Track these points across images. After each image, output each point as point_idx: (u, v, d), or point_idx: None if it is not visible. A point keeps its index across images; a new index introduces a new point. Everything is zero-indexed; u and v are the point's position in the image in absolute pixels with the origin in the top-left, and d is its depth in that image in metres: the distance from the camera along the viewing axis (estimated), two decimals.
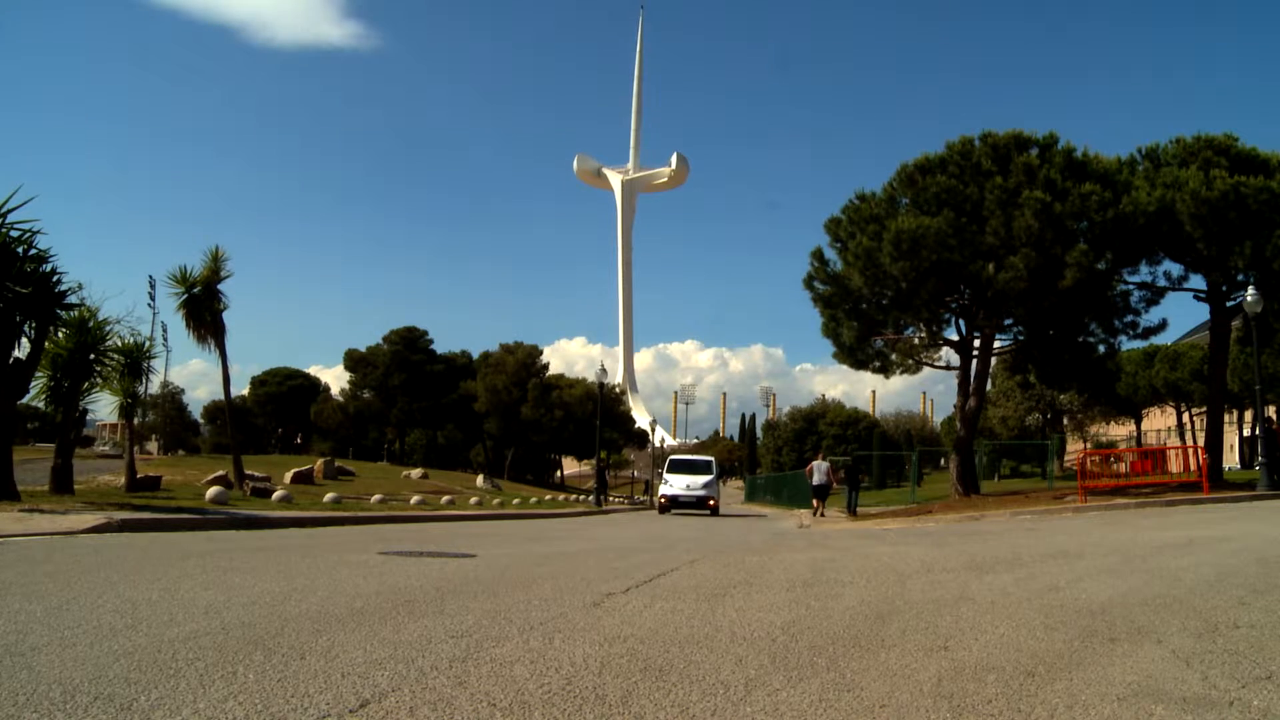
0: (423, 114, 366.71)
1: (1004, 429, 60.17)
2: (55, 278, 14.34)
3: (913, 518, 21.23)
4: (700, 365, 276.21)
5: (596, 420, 46.88)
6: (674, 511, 32.44)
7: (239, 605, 5.05)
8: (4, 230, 13.41)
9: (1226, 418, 36.62)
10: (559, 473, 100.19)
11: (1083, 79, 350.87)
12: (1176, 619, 4.79)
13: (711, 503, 32.58)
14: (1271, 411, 42.17)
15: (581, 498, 46.19)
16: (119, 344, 18.11)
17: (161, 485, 21.02)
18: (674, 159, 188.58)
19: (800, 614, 5.22)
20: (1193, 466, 22.82)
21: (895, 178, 26.55)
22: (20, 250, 13.70)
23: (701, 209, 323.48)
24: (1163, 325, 27.76)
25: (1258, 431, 24.01)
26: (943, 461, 66.83)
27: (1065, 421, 62.55)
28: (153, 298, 32.95)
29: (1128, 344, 30.99)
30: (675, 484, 33.16)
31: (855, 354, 28.90)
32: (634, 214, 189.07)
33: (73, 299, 15.00)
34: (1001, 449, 52.77)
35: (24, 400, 15.87)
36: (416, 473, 43.95)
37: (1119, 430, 66.16)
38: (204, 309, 22.68)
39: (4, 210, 13.35)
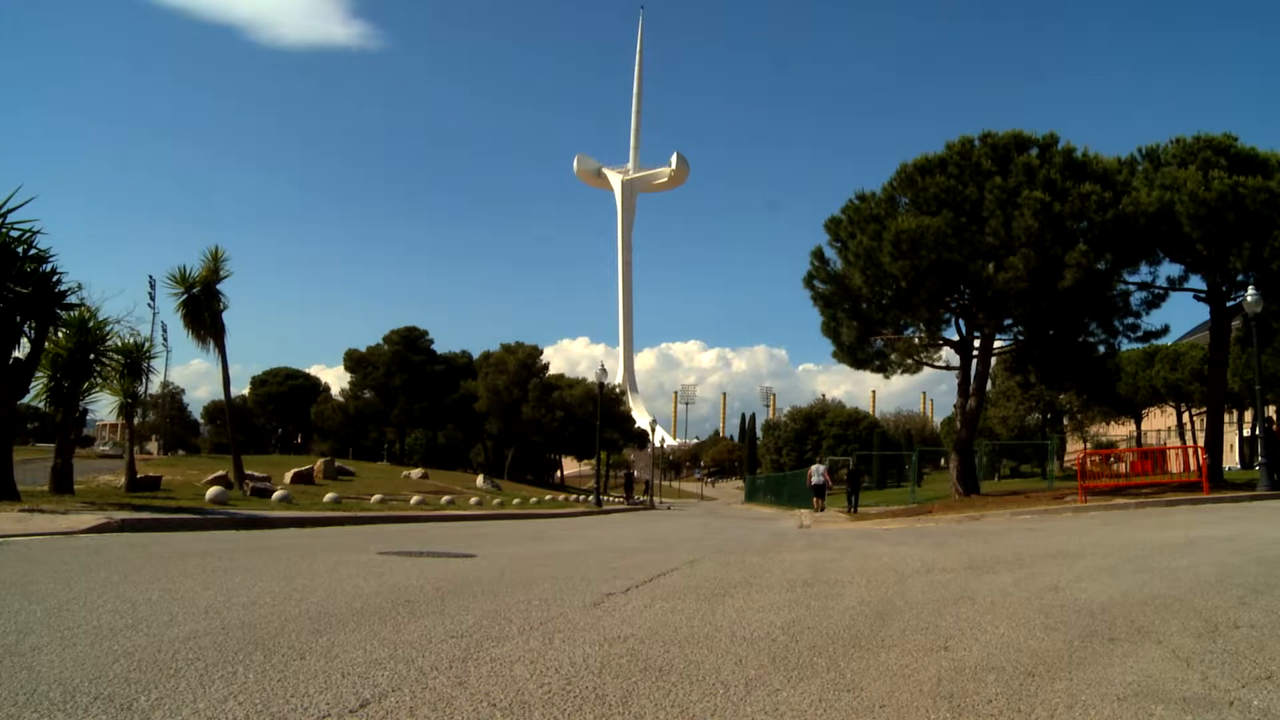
0: (425, 114, 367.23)
1: (1004, 429, 60.18)
2: (55, 278, 14.35)
3: (913, 518, 21.23)
4: (703, 365, 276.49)
5: (596, 420, 46.90)
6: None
7: (239, 605, 5.06)
8: (4, 230, 13.42)
9: (1226, 418, 36.58)
10: (559, 473, 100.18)
11: (1082, 79, 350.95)
12: (1176, 619, 4.79)
13: None
14: (1271, 411, 42.13)
15: (581, 498, 46.18)
16: (119, 344, 18.11)
17: (162, 485, 21.01)
18: (674, 159, 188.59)
19: (800, 614, 5.22)
20: (1193, 466, 22.81)
21: (895, 178, 26.52)
22: (20, 250, 13.71)
23: (703, 209, 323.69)
24: (1164, 330, 27.82)
25: (1258, 431, 23.99)
26: (943, 461, 66.82)
27: (1065, 421, 62.53)
28: (152, 298, 32.96)
29: (1128, 345, 31.01)
30: None
31: (855, 353, 28.89)
32: (634, 214, 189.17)
33: (72, 299, 15.03)
34: (1001, 449, 52.76)
35: (24, 400, 15.88)
36: (416, 473, 43.90)
37: (1119, 430, 66.11)
38: (203, 309, 22.67)
39: (4, 210, 13.36)
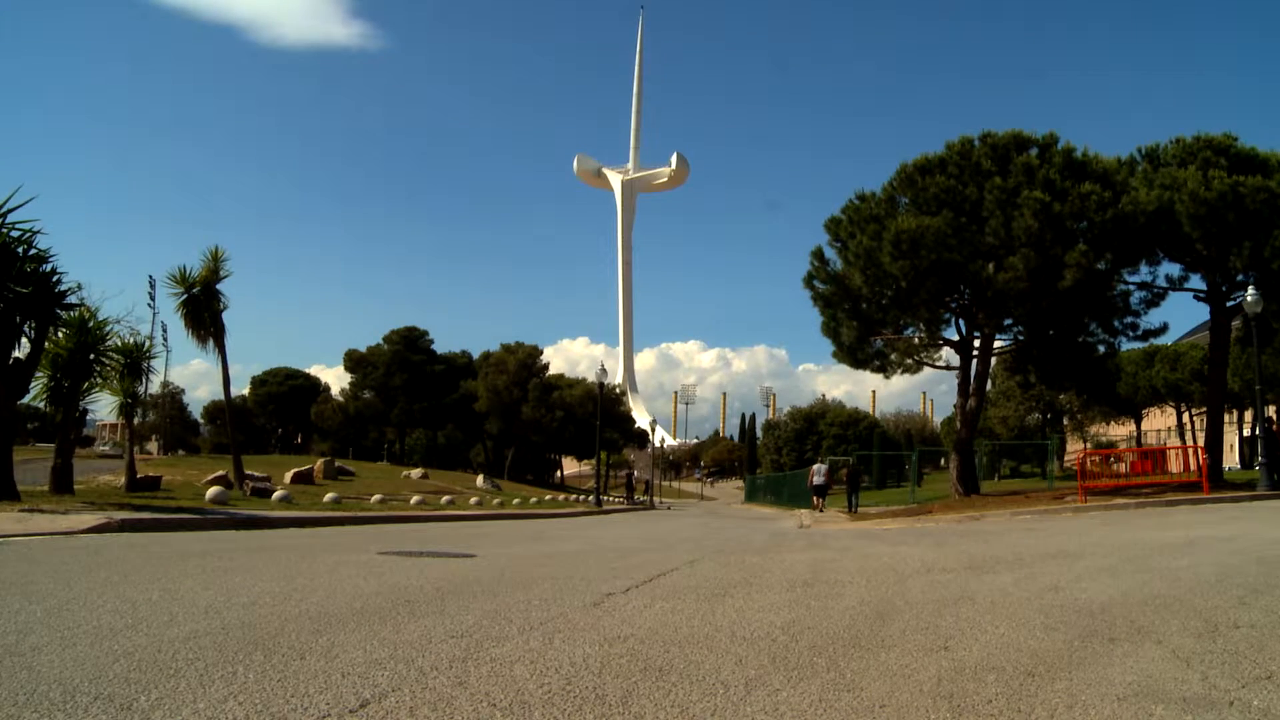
0: (425, 114, 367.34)
1: (1004, 429, 60.19)
2: (55, 278, 14.35)
3: (913, 518, 21.23)
4: (703, 365, 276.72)
5: (597, 420, 46.90)
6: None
7: (239, 605, 5.05)
8: (4, 230, 13.42)
9: (1226, 418, 36.53)
10: (559, 473, 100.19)
11: (1083, 79, 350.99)
12: (1176, 619, 4.79)
13: None
14: (1271, 411, 42.14)
15: (581, 498, 46.18)
16: (119, 344, 18.11)
17: (161, 485, 21.01)
18: (674, 159, 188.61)
19: (800, 614, 5.22)
20: (1193, 466, 22.81)
21: (895, 178, 26.51)
22: (20, 250, 13.71)
23: (704, 208, 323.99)
24: (1163, 329, 27.74)
25: (1258, 431, 23.98)
26: (943, 461, 66.83)
27: (1065, 421, 62.52)
28: (152, 298, 32.93)
29: (1128, 345, 30.99)
30: None
31: (855, 353, 28.88)
32: (634, 214, 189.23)
33: (73, 299, 15.02)
34: (1001, 449, 52.74)
35: (24, 400, 15.89)
36: (416, 473, 43.93)
37: (1119, 430, 66.13)
38: (203, 309, 22.68)
39: (4, 210, 13.36)
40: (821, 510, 31.04)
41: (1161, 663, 3.81)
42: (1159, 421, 64.63)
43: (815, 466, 34.14)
